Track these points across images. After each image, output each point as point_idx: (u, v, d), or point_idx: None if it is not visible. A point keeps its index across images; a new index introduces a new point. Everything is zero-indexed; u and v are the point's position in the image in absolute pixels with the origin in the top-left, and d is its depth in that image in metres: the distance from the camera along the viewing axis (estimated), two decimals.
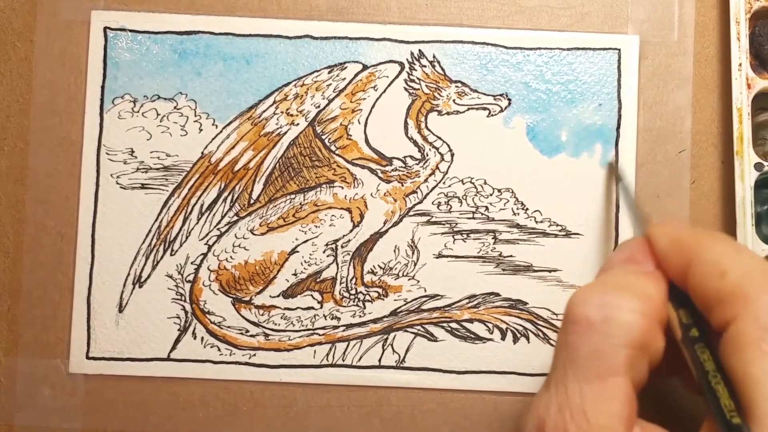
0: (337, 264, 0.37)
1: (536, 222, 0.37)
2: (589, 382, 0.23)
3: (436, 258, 0.37)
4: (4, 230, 0.37)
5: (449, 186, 0.37)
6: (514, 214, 0.37)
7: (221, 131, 0.37)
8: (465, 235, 0.37)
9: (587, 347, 0.24)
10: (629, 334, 0.24)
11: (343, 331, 0.37)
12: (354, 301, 0.37)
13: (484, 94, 0.38)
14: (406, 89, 0.38)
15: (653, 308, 0.25)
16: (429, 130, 0.37)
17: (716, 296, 0.24)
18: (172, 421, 0.37)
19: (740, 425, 0.22)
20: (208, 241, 0.37)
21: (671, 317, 0.25)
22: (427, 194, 0.37)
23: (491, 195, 0.37)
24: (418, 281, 0.37)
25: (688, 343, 0.25)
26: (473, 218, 0.37)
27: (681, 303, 0.26)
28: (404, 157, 0.38)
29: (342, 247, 0.37)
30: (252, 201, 0.37)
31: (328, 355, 0.37)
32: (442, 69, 0.38)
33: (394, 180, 0.37)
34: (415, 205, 0.37)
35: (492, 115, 0.37)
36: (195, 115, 0.38)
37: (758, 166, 0.36)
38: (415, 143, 0.37)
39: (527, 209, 0.37)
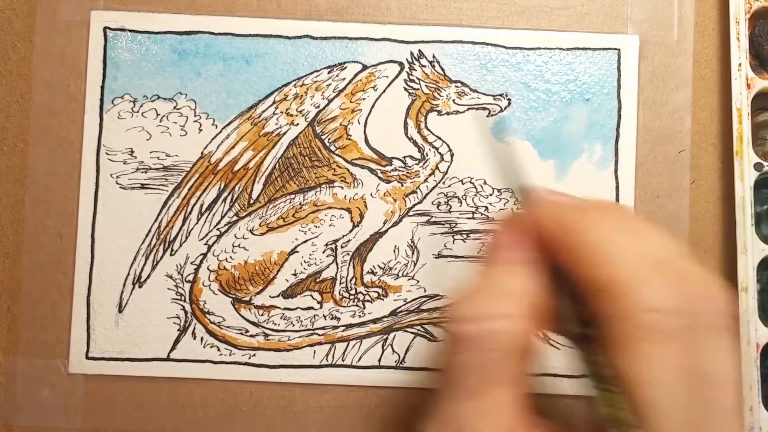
0: (337, 264, 0.37)
1: None
2: (473, 399, 0.22)
3: (436, 258, 0.37)
4: (4, 230, 0.37)
5: (449, 186, 0.37)
6: None
7: (221, 131, 0.37)
8: (465, 235, 0.37)
9: (470, 364, 0.22)
10: (509, 343, 0.22)
11: (343, 331, 0.37)
12: (354, 301, 0.37)
13: (484, 94, 0.38)
14: (405, 89, 0.38)
15: (530, 306, 0.22)
16: (429, 130, 0.37)
17: (594, 285, 0.21)
18: (172, 421, 0.37)
19: None
20: (207, 241, 0.37)
21: (558, 308, 0.23)
22: (427, 194, 0.37)
23: (491, 195, 0.37)
24: (418, 281, 0.37)
25: (582, 342, 0.23)
26: (473, 218, 0.37)
27: (563, 287, 0.23)
28: (404, 157, 0.38)
29: (342, 247, 0.37)
30: (252, 201, 0.37)
31: (327, 355, 0.37)
32: (442, 69, 0.38)
33: (394, 180, 0.37)
34: (414, 205, 0.37)
35: (492, 115, 0.37)
36: (195, 115, 0.38)
37: (758, 166, 0.36)
38: (415, 143, 0.37)
39: None
